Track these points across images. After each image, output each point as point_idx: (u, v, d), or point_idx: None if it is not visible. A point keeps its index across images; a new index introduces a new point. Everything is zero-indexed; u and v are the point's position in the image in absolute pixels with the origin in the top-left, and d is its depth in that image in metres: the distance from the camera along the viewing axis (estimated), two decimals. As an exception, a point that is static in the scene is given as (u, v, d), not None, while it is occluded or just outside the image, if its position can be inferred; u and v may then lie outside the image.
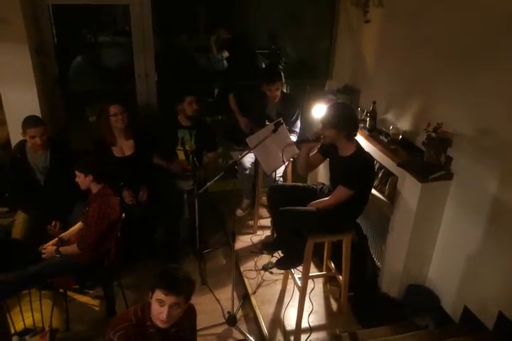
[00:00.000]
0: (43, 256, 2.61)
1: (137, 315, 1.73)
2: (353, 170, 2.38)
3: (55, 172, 2.99)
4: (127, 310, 1.84)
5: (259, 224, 3.60)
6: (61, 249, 2.59)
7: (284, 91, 3.58)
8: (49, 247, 2.63)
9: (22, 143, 3.01)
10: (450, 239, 2.55)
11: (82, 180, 2.57)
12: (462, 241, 2.45)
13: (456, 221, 2.48)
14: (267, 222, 3.53)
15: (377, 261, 3.01)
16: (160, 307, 1.65)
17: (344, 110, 2.43)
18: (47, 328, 2.45)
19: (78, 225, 2.77)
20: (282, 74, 3.42)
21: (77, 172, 2.57)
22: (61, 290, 2.67)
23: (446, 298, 2.62)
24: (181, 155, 3.27)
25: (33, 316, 2.42)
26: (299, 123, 3.48)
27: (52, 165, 2.99)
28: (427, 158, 2.52)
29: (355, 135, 2.45)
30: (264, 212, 3.67)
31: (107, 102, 3.09)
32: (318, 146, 2.62)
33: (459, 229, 2.47)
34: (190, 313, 1.89)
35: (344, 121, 2.37)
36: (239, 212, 3.74)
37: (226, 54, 4.10)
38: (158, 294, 1.64)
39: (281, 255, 2.73)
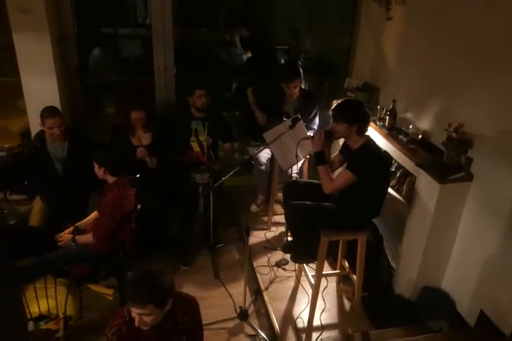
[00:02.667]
0: (59, 244, 2.63)
1: (130, 311, 1.73)
2: (358, 158, 2.43)
3: (72, 163, 3.01)
4: (122, 308, 1.85)
5: (273, 220, 3.59)
6: (77, 237, 2.62)
7: (303, 87, 3.55)
8: (65, 236, 2.66)
9: (42, 133, 3.04)
10: (468, 242, 2.51)
11: (97, 170, 2.61)
12: (480, 245, 2.40)
13: (475, 223, 2.44)
14: (281, 218, 3.51)
15: (392, 262, 2.98)
16: (133, 313, 1.68)
17: (355, 105, 2.49)
18: (61, 315, 2.48)
19: (94, 215, 2.79)
20: (301, 71, 3.39)
21: (94, 163, 2.60)
22: (75, 279, 2.69)
23: (461, 301, 2.57)
24: (196, 147, 3.28)
25: (47, 303, 2.45)
26: (317, 120, 3.45)
27: (70, 156, 3.02)
28: (447, 158, 2.48)
29: (366, 130, 2.47)
30: (278, 208, 3.66)
31: (130, 105, 3.10)
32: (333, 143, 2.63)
33: (478, 232, 2.42)
34: (191, 307, 1.89)
35: (355, 115, 2.41)
36: (253, 208, 3.73)
37: (249, 54, 4.09)
38: (128, 304, 1.68)
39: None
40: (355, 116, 2.41)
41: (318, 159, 2.51)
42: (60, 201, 2.99)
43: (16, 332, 1.96)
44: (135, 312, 1.66)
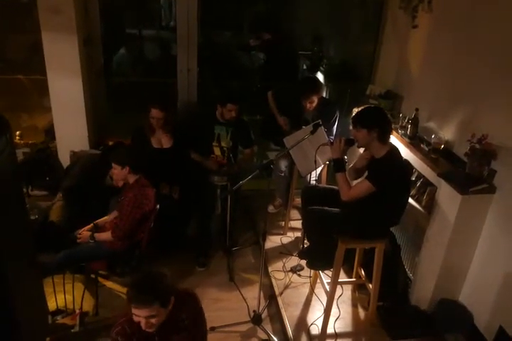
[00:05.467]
0: (78, 240, 2.67)
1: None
2: (380, 169, 2.39)
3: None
4: (126, 307, 1.81)
5: (290, 225, 3.58)
6: (95, 235, 2.65)
7: (324, 95, 3.53)
8: (84, 232, 2.69)
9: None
10: (488, 255, 2.46)
11: (119, 172, 2.60)
12: (501, 258, 2.35)
13: (496, 236, 2.39)
14: (297, 223, 3.51)
15: (409, 272, 2.94)
16: (137, 317, 1.65)
17: (374, 111, 2.45)
18: (77, 310, 2.52)
19: (114, 214, 2.82)
20: (322, 83, 3.36)
21: (113, 165, 2.60)
22: (92, 276, 2.73)
23: (480, 315, 2.52)
24: (217, 151, 3.29)
25: (65, 298, 2.49)
26: (334, 130, 3.42)
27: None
28: (469, 169, 2.44)
29: (388, 137, 2.41)
30: (295, 213, 3.65)
31: (151, 103, 3.07)
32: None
33: (499, 245, 2.37)
34: (190, 303, 1.86)
35: (374, 120, 2.37)
36: (271, 208, 3.72)
37: (270, 58, 4.10)
38: (132, 308, 1.64)
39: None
40: (374, 121, 2.37)
41: (337, 166, 2.49)
42: (83, 205, 3.02)
43: (38, 321, 2.00)
44: (141, 315, 1.63)
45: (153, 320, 1.65)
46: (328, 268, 2.71)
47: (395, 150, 2.44)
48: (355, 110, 2.45)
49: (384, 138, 2.38)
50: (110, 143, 3.65)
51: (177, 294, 1.75)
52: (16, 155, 1.89)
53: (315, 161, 2.72)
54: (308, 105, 3.26)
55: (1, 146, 1.57)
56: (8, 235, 1.65)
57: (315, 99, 3.26)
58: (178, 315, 1.79)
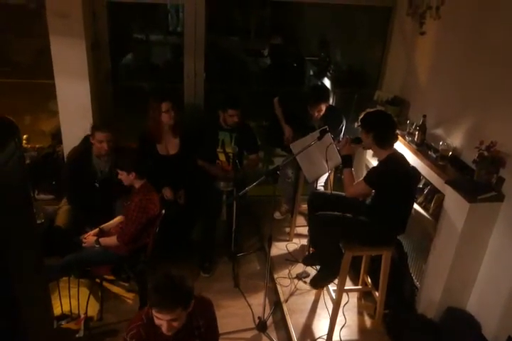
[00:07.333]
0: (83, 245, 2.66)
1: (148, 314, 1.71)
2: (377, 169, 2.46)
3: (111, 177, 2.93)
4: (141, 311, 1.84)
5: (296, 231, 3.56)
6: (101, 239, 2.65)
7: (330, 103, 3.52)
8: (89, 237, 2.69)
9: (89, 145, 2.99)
10: (496, 264, 2.43)
11: (126, 177, 2.61)
12: (510, 267, 2.32)
13: (505, 245, 2.37)
14: (303, 230, 3.50)
15: (415, 280, 2.92)
16: (159, 320, 1.64)
17: (374, 115, 2.47)
18: (82, 315, 2.51)
19: (119, 218, 2.82)
20: (330, 91, 3.36)
21: (119, 171, 2.61)
22: (97, 280, 2.73)
23: (488, 325, 2.49)
24: (222, 157, 3.29)
25: (70, 303, 2.48)
26: (341, 137, 3.39)
27: (111, 171, 2.93)
28: (477, 177, 2.43)
29: (387, 142, 2.43)
30: (301, 220, 3.64)
31: (157, 100, 3.06)
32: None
33: (507, 254, 2.35)
34: (206, 310, 1.86)
35: (371, 124, 2.43)
36: (277, 215, 3.71)
37: (277, 64, 4.10)
38: (154, 311, 1.63)
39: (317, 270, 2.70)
40: (371, 125, 2.42)
41: (344, 162, 2.61)
42: (87, 207, 3.01)
43: (43, 325, 1.99)
44: (163, 318, 1.62)
45: (175, 323, 1.65)
46: (333, 280, 2.68)
47: (396, 156, 2.46)
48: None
49: (381, 143, 2.42)
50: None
51: (195, 298, 1.74)
52: (24, 159, 1.89)
53: (326, 161, 2.74)
54: (316, 114, 3.26)
55: (11, 151, 1.57)
56: (16, 239, 1.64)
57: (323, 108, 3.26)
58: (196, 321, 1.79)
